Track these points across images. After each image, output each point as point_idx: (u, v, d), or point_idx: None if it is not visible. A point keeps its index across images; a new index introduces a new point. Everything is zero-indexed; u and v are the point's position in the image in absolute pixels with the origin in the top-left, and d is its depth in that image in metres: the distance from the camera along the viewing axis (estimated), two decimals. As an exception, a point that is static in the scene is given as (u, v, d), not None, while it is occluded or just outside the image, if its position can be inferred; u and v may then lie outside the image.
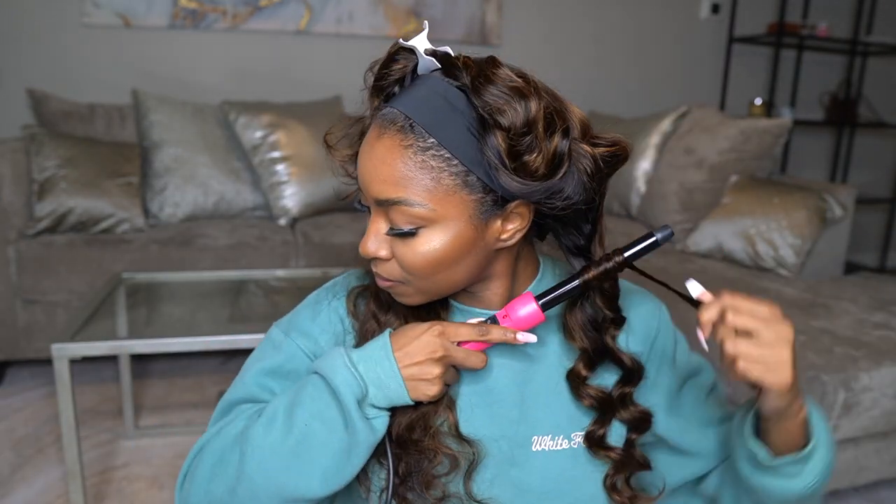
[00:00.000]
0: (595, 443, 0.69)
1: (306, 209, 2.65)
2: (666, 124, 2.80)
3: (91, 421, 2.01)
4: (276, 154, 2.63)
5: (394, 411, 0.64)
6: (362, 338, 0.69)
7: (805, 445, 0.64)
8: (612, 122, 2.99)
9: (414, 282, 0.63)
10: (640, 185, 2.79)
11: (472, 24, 3.21)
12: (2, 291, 2.18)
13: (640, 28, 3.53)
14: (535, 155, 0.57)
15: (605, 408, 0.69)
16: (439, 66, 0.61)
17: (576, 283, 0.65)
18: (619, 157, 0.62)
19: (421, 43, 0.61)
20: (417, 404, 0.64)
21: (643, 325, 0.74)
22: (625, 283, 0.75)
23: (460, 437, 0.66)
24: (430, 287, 0.64)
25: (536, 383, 0.70)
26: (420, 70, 0.62)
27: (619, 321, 0.69)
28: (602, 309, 0.68)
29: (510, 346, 0.69)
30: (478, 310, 0.70)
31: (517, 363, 0.70)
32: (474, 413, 0.68)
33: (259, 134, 2.64)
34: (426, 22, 0.65)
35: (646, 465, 0.72)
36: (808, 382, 1.48)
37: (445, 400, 0.66)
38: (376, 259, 0.64)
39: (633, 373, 0.70)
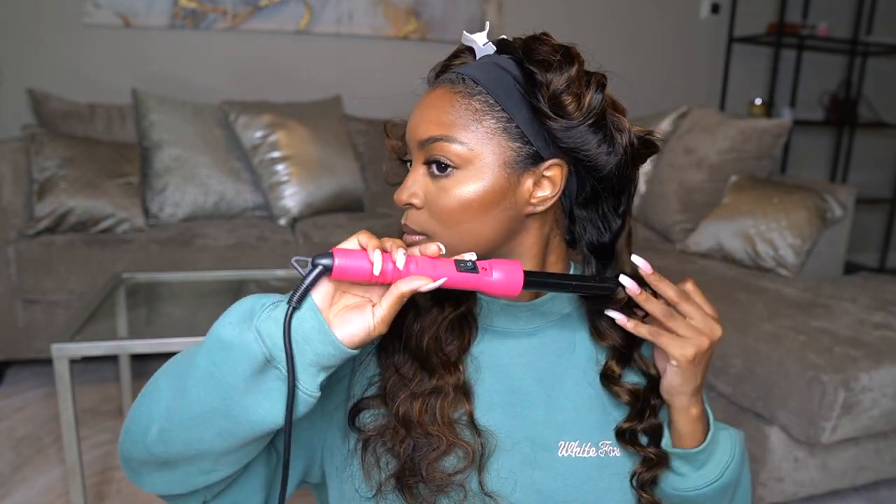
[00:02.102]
0: (629, 439, 0.69)
1: (306, 209, 2.65)
2: (666, 124, 2.80)
3: (91, 421, 2.01)
4: (276, 154, 2.63)
5: (405, 391, 0.64)
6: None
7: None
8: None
9: (440, 233, 0.64)
10: (640, 185, 2.79)
11: (472, 24, 3.21)
12: (2, 291, 2.18)
13: (640, 28, 3.53)
14: (572, 99, 0.62)
15: (640, 403, 0.69)
16: (495, 49, 0.66)
17: (569, 283, 0.66)
18: (651, 142, 0.67)
19: (481, 38, 0.67)
20: (430, 389, 0.64)
21: None
22: None
23: (475, 428, 0.65)
24: (455, 240, 0.64)
25: (565, 387, 0.70)
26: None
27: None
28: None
29: (540, 347, 0.70)
30: (505, 302, 0.70)
31: (544, 365, 0.70)
32: (495, 411, 0.67)
33: (259, 134, 2.64)
34: (488, 22, 0.73)
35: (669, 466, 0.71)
36: (808, 382, 1.48)
37: (462, 388, 0.65)
38: (408, 208, 0.65)
39: (656, 381, 0.70)
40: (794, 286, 2.03)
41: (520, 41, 0.65)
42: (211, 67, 2.95)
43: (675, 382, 0.67)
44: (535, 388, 0.69)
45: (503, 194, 0.63)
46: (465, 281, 0.59)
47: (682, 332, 0.65)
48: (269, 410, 0.55)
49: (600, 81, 0.64)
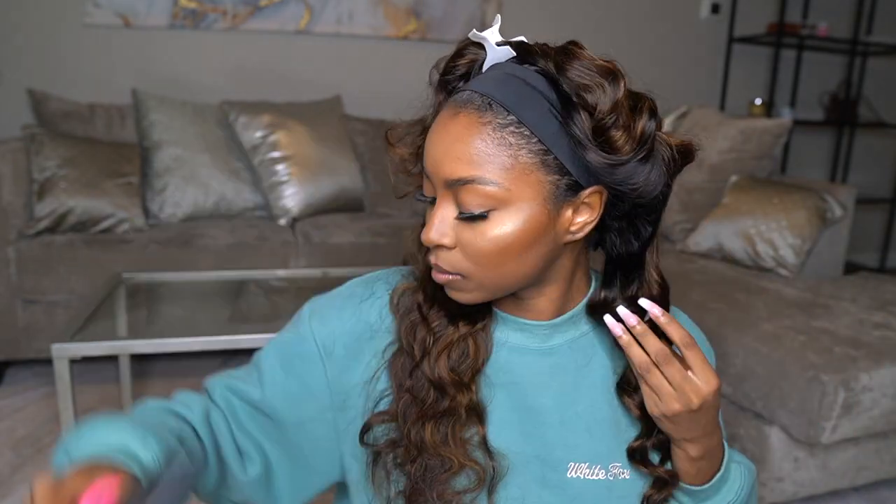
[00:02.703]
0: (639, 459, 0.67)
1: (306, 209, 2.65)
2: (666, 124, 2.79)
3: (91, 421, 2.01)
4: (276, 154, 2.63)
5: (416, 410, 0.63)
6: (405, 326, 0.66)
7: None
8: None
9: (477, 274, 0.60)
10: (640, 185, 2.80)
11: (471, 24, 3.21)
12: (2, 291, 2.18)
13: (640, 28, 3.53)
14: (621, 132, 0.56)
15: (650, 420, 0.66)
16: (514, 54, 0.59)
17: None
18: (689, 152, 0.61)
19: (493, 36, 0.59)
20: (443, 410, 0.63)
21: None
22: (675, 313, 0.73)
23: (488, 451, 0.64)
24: (493, 281, 0.60)
25: (580, 408, 0.68)
26: (489, 62, 0.60)
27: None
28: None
29: (557, 367, 0.67)
30: (524, 320, 0.67)
31: (559, 384, 0.67)
32: (507, 429, 0.66)
33: (259, 134, 2.64)
34: (499, 16, 0.63)
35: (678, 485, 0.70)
36: (808, 382, 1.48)
37: (475, 408, 0.64)
38: (438, 249, 0.60)
39: None
40: (794, 286, 2.03)
41: (548, 50, 0.58)
42: (211, 67, 2.95)
43: (666, 428, 0.64)
44: (549, 407, 0.67)
45: (544, 230, 0.58)
46: None
47: (677, 382, 0.61)
48: None
49: (651, 106, 0.58)
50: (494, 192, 0.56)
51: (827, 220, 2.29)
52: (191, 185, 2.56)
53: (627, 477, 0.68)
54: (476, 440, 0.64)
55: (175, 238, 2.34)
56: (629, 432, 0.69)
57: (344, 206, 2.77)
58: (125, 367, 1.91)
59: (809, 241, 2.21)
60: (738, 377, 1.65)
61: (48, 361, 1.46)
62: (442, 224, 0.59)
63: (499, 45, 0.59)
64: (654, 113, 0.58)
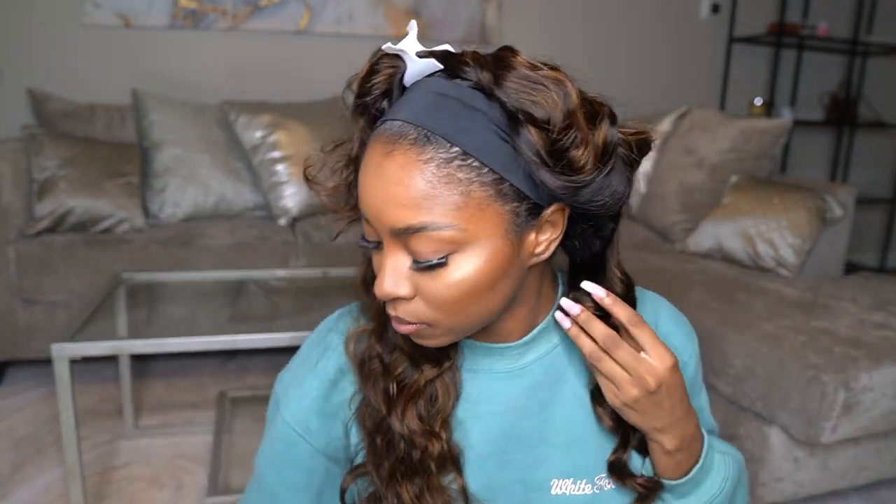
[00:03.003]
0: (618, 472, 0.65)
1: (306, 209, 2.65)
2: (666, 124, 2.80)
3: (91, 421, 2.01)
4: (276, 154, 2.63)
5: (388, 459, 0.61)
6: (365, 378, 0.62)
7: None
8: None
9: (444, 321, 0.54)
10: (640, 185, 2.80)
11: (471, 24, 3.21)
12: (2, 291, 2.18)
13: (640, 28, 3.53)
14: (581, 150, 0.50)
15: (625, 427, 0.64)
16: (440, 67, 0.52)
17: None
18: (646, 142, 0.57)
19: (410, 46, 0.52)
20: (416, 462, 0.60)
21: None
22: (654, 299, 0.71)
23: (466, 499, 0.62)
24: (461, 323, 0.55)
25: (557, 423, 0.65)
26: (410, 76, 0.53)
27: None
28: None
29: (532, 385, 0.64)
30: (491, 344, 0.63)
31: (535, 404, 0.64)
32: (486, 462, 0.63)
33: (259, 134, 2.64)
34: (413, 22, 0.53)
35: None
36: (808, 382, 1.48)
37: (448, 455, 0.61)
38: (396, 301, 0.55)
39: None
40: (794, 286, 2.03)
41: (480, 60, 0.51)
42: (211, 67, 2.95)
43: (631, 419, 0.61)
44: (526, 428, 0.64)
45: (509, 262, 0.53)
46: None
47: (630, 365, 0.57)
48: None
49: (610, 113, 0.53)
50: (451, 236, 0.50)
51: (827, 220, 2.29)
52: (191, 185, 2.56)
53: (614, 486, 0.65)
54: (455, 487, 0.62)
55: (175, 238, 2.34)
56: (614, 439, 0.66)
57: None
58: (125, 367, 1.91)
59: (809, 241, 2.21)
60: (738, 377, 1.65)
61: (48, 361, 1.46)
62: (395, 274, 0.53)
63: (420, 55, 0.52)
64: (614, 119, 0.53)
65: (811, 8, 3.70)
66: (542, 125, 0.49)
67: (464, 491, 0.62)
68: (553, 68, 0.51)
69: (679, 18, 3.61)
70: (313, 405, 0.64)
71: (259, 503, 0.69)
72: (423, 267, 0.52)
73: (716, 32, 3.67)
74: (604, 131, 0.51)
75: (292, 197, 2.62)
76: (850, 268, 2.80)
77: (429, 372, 0.61)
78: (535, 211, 0.53)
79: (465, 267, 0.52)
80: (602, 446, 0.66)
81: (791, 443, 1.57)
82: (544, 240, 0.56)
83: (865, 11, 3.76)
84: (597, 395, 0.64)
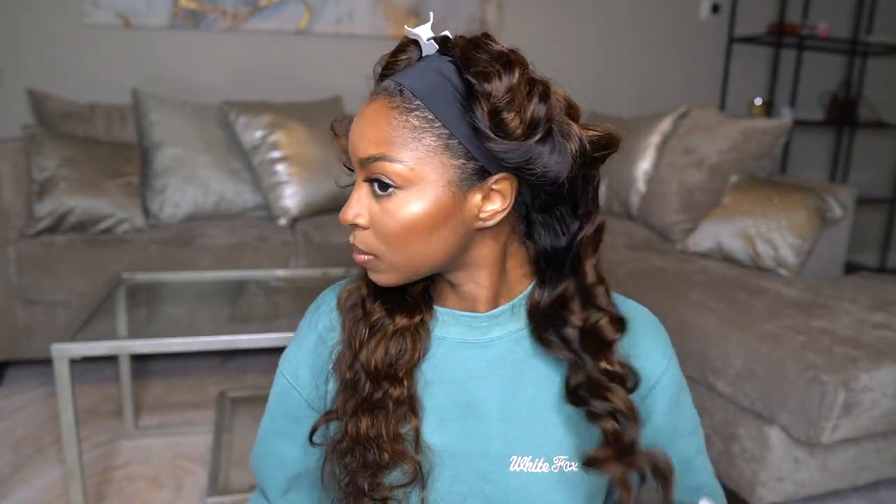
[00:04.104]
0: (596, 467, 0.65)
1: (306, 209, 2.65)
2: (666, 124, 2.80)
3: (91, 421, 2.01)
4: (276, 154, 2.63)
5: (353, 404, 0.66)
6: (348, 326, 0.68)
7: None
8: (612, 122, 2.96)
9: (388, 255, 0.62)
10: (640, 185, 2.79)
11: (472, 23, 3.21)
12: (2, 291, 2.18)
13: (641, 28, 3.53)
14: (513, 115, 0.58)
15: (599, 422, 0.65)
16: (437, 48, 0.63)
17: None
18: (607, 142, 0.62)
19: (424, 32, 0.63)
20: (376, 402, 0.65)
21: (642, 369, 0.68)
22: (633, 308, 0.72)
23: (419, 445, 0.66)
24: (403, 261, 0.62)
25: (520, 401, 0.68)
26: (423, 55, 0.64)
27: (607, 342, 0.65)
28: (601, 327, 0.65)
29: (497, 360, 0.68)
30: (462, 312, 0.68)
31: (500, 377, 0.68)
32: (448, 426, 0.67)
33: (259, 134, 2.64)
34: (431, 13, 0.68)
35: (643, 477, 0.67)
36: (808, 382, 1.48)
37: (408, 402, 0.66)
38: (355, 229, 0.63)
39: (623, 380, 0.65)
40: (794, 286, 2.03)
41: (460, 42, 0.61)
42: (211, 67, 2.95)
43: None
44: (490, 401, 0.67)
45: (449, 213, 0.60)
46: None
47: None
48: None
49: (543, 91, 0.60)
50: (400, 171, 0.59)
51: (827, 220, 2.29)
52: (191, 185, 2.56)
53: (574, 469, 0.67)
54: (411, 435, 0.66)
55: (175, 238, 2.34)
56: (581, 425, 0.67)
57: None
58: (125, 367, 1.91)
59: (809, 241, 2.21)
60: (738, 377, 1.65)
61: (48, 361, 1.46)
62: (358, 204, 0.62)
63: (429, 40, 0.63)
64: (544, 97, 0.59)
65: (811, 8, 3.70)
66: (487, 95, 0.58)
67: (416, 432, 0.66)
68: (510, 50, 0.60)
69: (679, 18, 3.61)
70: (305, 358, 0.72)
71: (256, 450, 0.78)
72: (374, 190, 0.61)
73: (716, 32, 3.67)
74: (533, 104, 0.59)
75: (292, 197, 2.62)
76: (850, 268, 2.80)
77: (400, 321, 0.67)
78: (481, 174, 0.60)
79: (410, 205, 0.60)
80: (568, 427, 0.68)
81: (791, 443, 1.57)
82: (491, 209, 0.62)
83: (865, 11, 3.77)
84: (570, 396, 0.66)
